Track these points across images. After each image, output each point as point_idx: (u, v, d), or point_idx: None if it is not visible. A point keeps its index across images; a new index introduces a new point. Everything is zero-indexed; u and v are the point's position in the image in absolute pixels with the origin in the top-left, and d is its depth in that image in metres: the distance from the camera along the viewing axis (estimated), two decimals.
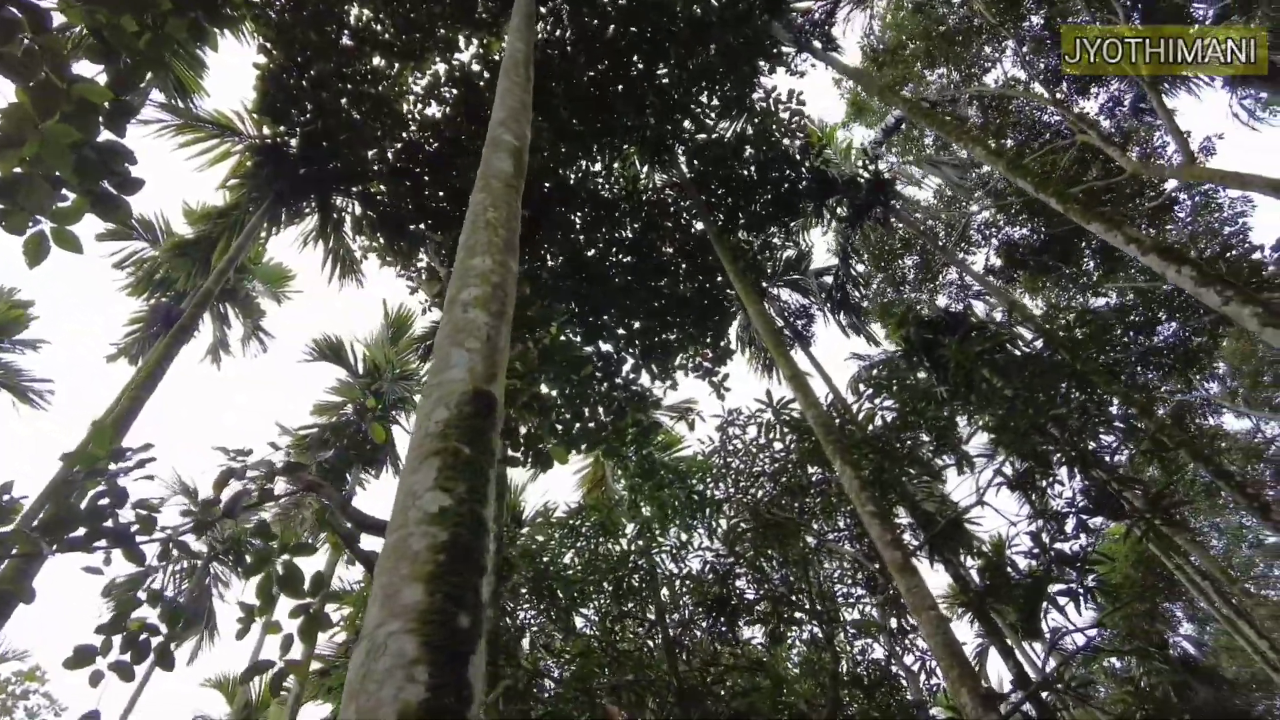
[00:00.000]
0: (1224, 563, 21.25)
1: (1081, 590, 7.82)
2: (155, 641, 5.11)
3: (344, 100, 12.78)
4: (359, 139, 13.08)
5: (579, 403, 9.20)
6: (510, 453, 7.63)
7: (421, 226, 13.59)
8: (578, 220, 12.84)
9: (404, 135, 13.29)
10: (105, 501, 4.67)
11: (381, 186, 13.58)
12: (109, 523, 4.95)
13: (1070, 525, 8.47)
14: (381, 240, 13.82)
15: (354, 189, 13.58)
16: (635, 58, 13.06)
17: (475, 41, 13.86)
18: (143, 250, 13.95)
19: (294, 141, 13.28)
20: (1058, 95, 17.23)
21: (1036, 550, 8.31)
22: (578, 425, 8.77)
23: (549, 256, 13.00)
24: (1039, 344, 15.78)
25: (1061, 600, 7.82)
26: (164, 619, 5.13)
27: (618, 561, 11.69)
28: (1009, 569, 11.86)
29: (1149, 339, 14.28)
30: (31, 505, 6.19)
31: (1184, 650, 20.81)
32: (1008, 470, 11.99)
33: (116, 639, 5.03)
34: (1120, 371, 13.84)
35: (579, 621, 11.87)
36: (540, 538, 11.95)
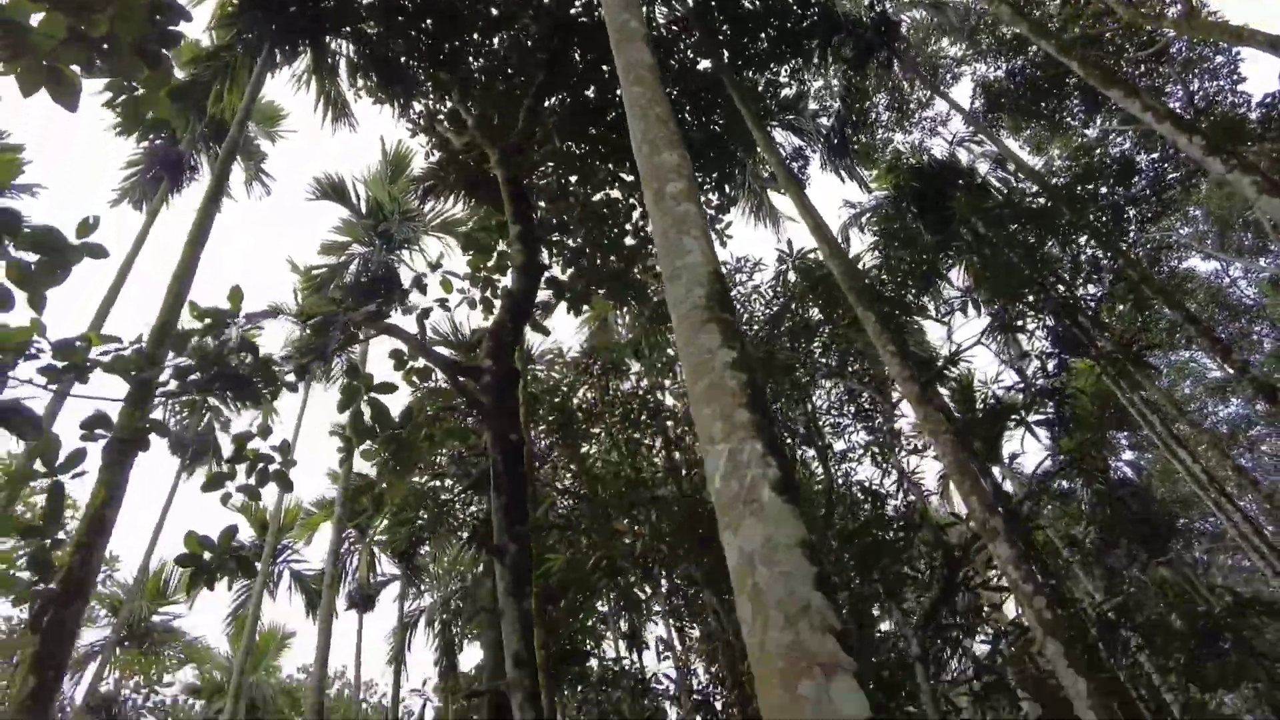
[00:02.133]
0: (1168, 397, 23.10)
1: (1057, 420, 8.87)
2: (272, 469, 5.78)
3: None
4: None
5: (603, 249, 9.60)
6: (554, 298, 8.21)
7: (417, 66, 13.27)
8: (578, 58, 12.63)
9: None
10: (228, 351, 5.20)
11: (374, 26, 13.09)
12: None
13: (1052, 365, 9.43)
14: (375, 80, 13.50)
15: (346, 29, 13.07)
16: None
17: None
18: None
19: None
20: None
21: (1021, 385, 9.29)
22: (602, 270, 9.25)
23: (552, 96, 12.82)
24: (1031, 190, 16.34)
25: (1041, 430, 8.90)
26: (278, 450, 5.77)
27: (627, 396, 12.62)
28: (981, 403, 13.05)
29: (1127, 188, 14.83)
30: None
31: (1123, 473, 23.08)
32: (988, 315, 12.97)
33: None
34: (1104, 225, 14.52)
35: (592, 449, 12.97)
36: (556, 375, 12.75)
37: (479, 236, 8.81)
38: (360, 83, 13.44)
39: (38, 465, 4.58)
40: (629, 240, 12.94)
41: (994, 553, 5.18)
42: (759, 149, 13.90)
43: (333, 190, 16.93)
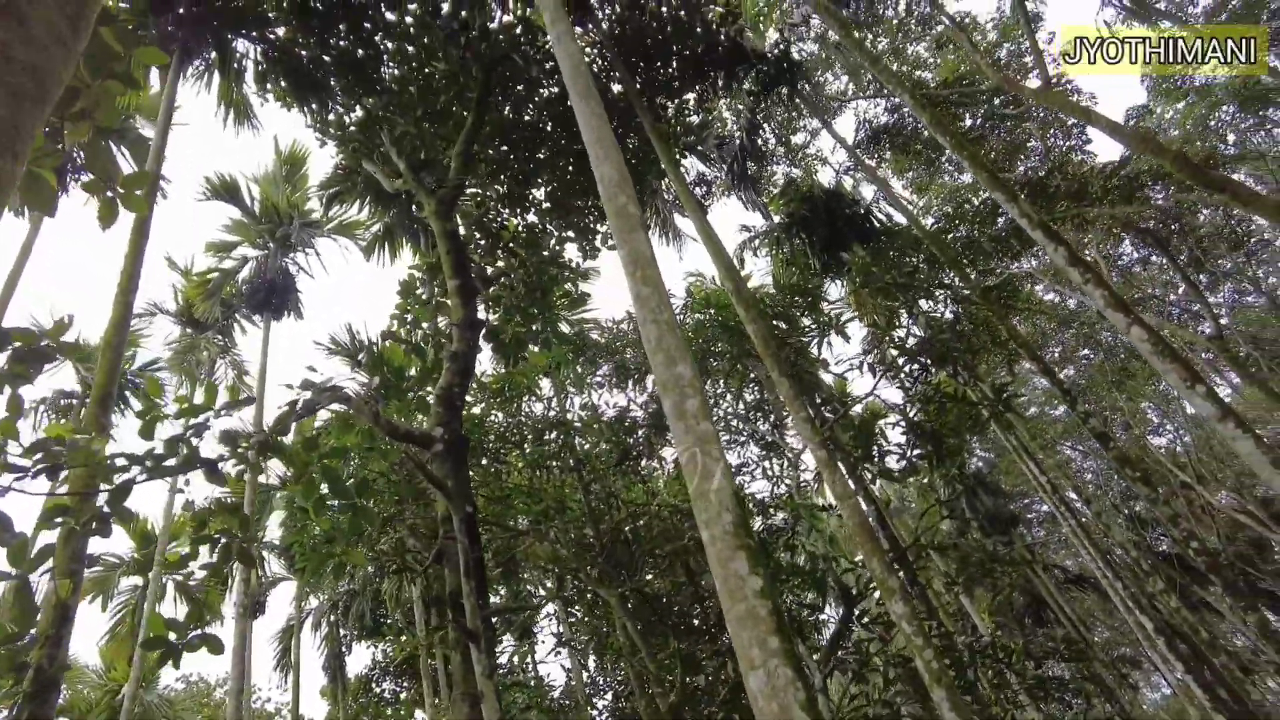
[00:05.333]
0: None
1: (936, 454, 10.10)
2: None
3: None
4: None
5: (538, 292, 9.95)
6: (493, 352, 8.56)
7: (331, 74, 13.02)
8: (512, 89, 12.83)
9: None
10: (197, 440, 5.31)
11: (284, 29, 12.72)
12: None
13: (932, 406, 10.65)
14: (286, 86, 13.13)
15: (254, 32, 12.64)
16: None
17: None
18: None
19: None
20: None
21: (905, 425, 10.50)
22: (534, 323, 9.65)
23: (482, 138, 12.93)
24: (900, 219, 17.87)
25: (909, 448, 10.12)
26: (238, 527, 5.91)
27: (539, 420, 13.10)
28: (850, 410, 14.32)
29: (990, 227, 16.64)
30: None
31: (977, 468, 25.77)
32: (858, 324, 14.32)
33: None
34: (968, 255, 16.20)
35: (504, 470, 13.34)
36: (468, 399, 12.97)
37: (410, 284, 8.98)
38: (269, 87, 13.03)
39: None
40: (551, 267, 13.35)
41: (890, 608, 6.13)
42: (666, 173, 14.59)
43: (225, 191, 16.20)
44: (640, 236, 3.79)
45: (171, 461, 5.40)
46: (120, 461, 5.39)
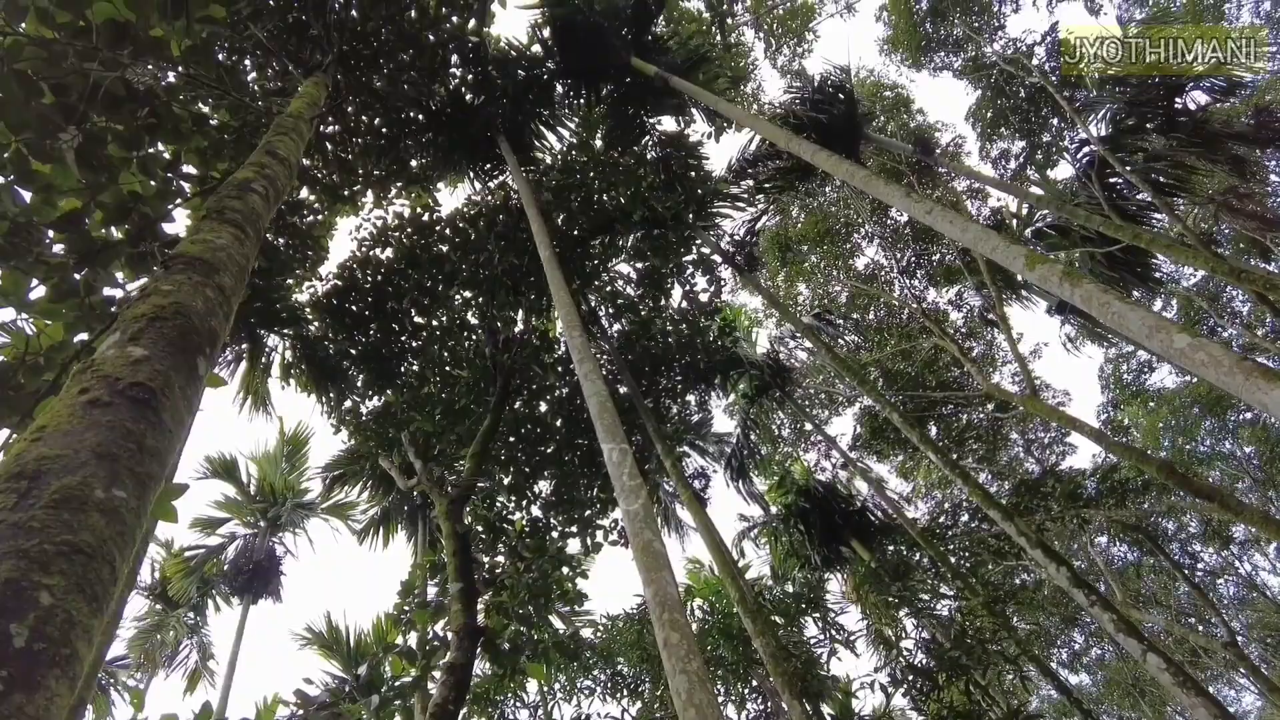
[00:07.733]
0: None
1: None
2: None
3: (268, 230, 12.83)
4: (283, 268, 13.17)
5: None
6: (488, 662, 8.19)
7: (353, 366, 13.89)
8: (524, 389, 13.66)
9: (345, 275, 13.57)
10: None
11: (313, 327, 13.74)
12: None
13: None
14: (310, 377, 13.92)
15: (286, 331, 13.69)
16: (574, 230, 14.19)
17: (407, 194, 14.51)
18: None
19: None
20: (914, 287, 20.11)
21: None
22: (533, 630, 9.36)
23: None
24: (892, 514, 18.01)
25: None
26: None
27: None
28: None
29: (992, 523, 16.83)
30: None
31: None
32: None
33: None
34: (970, 551, 16.19)
35: None
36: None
37: (411, 584, 8.87)
38: (292, 379, 13.81)
39: None
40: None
41: None
42: (668, 471, 14.99)
43: (223, 470, 16.47)
44: (667, 576, 3.86)
45: None
46: None
